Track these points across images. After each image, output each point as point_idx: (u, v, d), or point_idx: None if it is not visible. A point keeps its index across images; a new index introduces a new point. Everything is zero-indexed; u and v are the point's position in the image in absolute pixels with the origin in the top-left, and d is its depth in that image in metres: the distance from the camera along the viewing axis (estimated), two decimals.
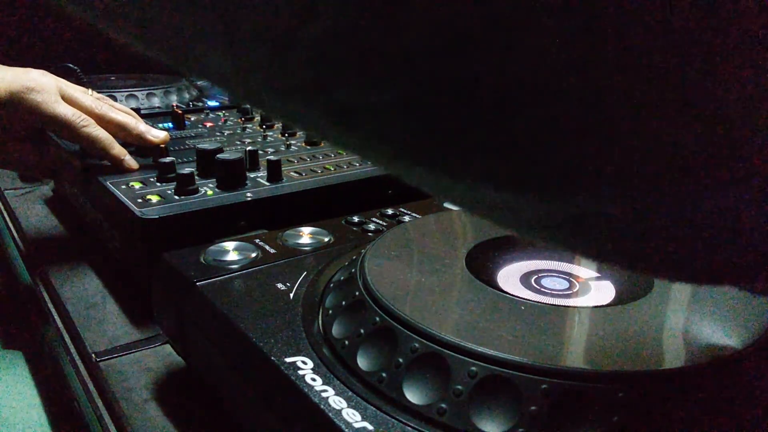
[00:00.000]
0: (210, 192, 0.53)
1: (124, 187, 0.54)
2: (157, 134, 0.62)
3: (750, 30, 0.10)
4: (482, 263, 0.36)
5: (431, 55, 0.11)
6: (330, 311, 0.32)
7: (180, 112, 0.78)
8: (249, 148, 0.60)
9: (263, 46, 0.12)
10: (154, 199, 0.51)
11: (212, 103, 0.94)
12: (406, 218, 0.49)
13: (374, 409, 0.26)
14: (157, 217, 0.47)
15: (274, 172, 0.56)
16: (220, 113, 0.86)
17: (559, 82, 0.11)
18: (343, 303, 0.32)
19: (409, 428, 0.25)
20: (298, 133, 0.74)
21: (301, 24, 0.11)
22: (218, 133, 0.75)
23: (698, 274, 0.17)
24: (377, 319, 0.29)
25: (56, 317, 0.50)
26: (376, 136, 0.14)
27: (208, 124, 0.80)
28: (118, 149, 0.59)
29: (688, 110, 0.11)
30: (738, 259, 0.15)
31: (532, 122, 0.12)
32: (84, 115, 0.57)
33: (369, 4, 0.11)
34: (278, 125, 0.77)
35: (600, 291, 0.33)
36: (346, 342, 0.30)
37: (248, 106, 0.85)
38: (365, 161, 0.63)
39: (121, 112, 0.63)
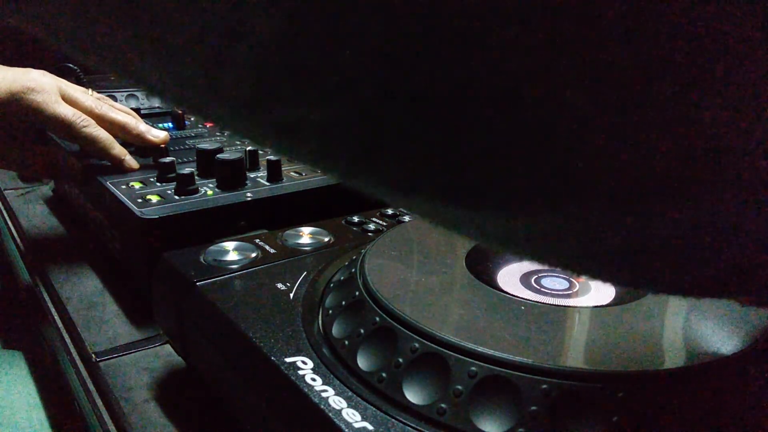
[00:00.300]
0: (210, 192, 0.53)
1: (124, 187, 0.54)
2: (157, 134, 0.62)
3: (732, 36, 0.10)
4: (482, 263, 0.36)
5: (372, 69, 0.11)
6: (330, 311, 0.32)
7: (180, 112, 0.78)
8: (249, 148, 0.60)
9: (196, 63, 0.12)
10: (154, 199, 0.51)
11: None
12: (406, 218, 0.49)
13: (374, 409, 0.26)
14: (157, 217, 0.47)
15: (274, 172, 0.56)
16: None
17: (517, 94, 0.10)
18: (343, 303, 0.32)
19: (409, 428, 0.25)
20: None
21: (231, 41, 0.11)
22: (218, 133, 0.75)
23: (677, 288, 0.17)
24: (377, 319, 0.29)
25: (56, 317, 0.50)
26: (323, 152, 0.13)
27: (208, 124, 0.80)
28: (118, 149, 0.59)
29: (662, 121, 0.11)
30: (721, 271, 0.15)
31: (486, 136, 0.11)
32: (84, 116, 0.57)
33: (299, 21, 0.10)
34: None
35: (600, 291, 0.33)
36: (346, 342, 0.30)
37: None
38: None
39: (121, 112, 0.63)
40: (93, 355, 0.44)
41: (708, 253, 0.14)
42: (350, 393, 0.27)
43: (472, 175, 0.12)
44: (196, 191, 0.52)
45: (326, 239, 0.44)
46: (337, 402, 0.26)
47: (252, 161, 0.59)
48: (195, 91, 0.13)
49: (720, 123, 0.11)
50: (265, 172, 0.57)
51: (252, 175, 0.57)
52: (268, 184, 0.55)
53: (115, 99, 0.78)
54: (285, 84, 0.12)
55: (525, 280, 0.35)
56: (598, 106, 0.10)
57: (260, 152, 0.61)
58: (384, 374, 0.27)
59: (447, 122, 0.11)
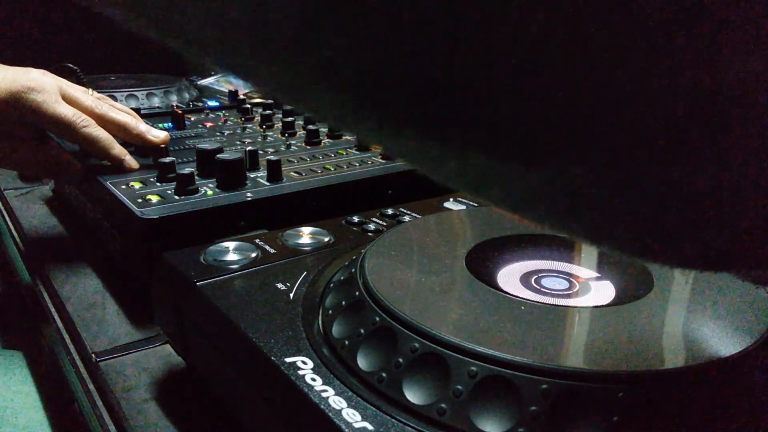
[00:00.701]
0: (210, 192, 0.53)
1: (124, 187, 0.54)
2: (157, 134, 0.62)
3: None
4: (482, 263, 0.36)
5: (418, 9, 0.11)
6: (330, 311, 0.32)
7: (180, 112, 0.78)
8: (249, 148, 0.60)
9: (242, 3, 0.12)
10: (154, 199, 0.51)
11: (212, 103, 0.94)
12: (406, 218, 0.49)
13: (374, 409, 0.26)
14: (157, 217, 0.47)
15: (274, 172, 0.56)
16: (220, 113, 0.86)
17: (544, 44, 0.11)
18: (343, 303, 0.32)
19: (409, 428, 0.25)
20: (298, 133, 0.74)
21: None
22: (218, 133, 0.75)
23: (690, 258, 0.16)
24: (377, 319, 0.29)
25: (56, 317, 0.50)
26: (362, 97, 0.13)
27: (208, 124, 0.80)
28: (118, 149, 0.59)
29: (679, 76, 0.11)
30: (733, 242, 0.15)
31: (521, 86, 0.11)
32: (84, 116, 0.57)
33: None
34: (278, 125, 0.77)
35: (600, 291, 0.33)
36: (346, 342, 0.30)
37: (247, 105, 0.85)
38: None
39: (121, 112, 0.63)
40: (93, 355, 0.44)
41: (729, 217, 0.14)
42: (350, 393, 0.27)
43: (506, 123, 0.12)
44: (196, 191, 0.52)
45: (326, 239, 0.44)
46: (337, 402, 0.26)
47: (252, 161, 0.59)
48: (240, 37, 0.13)
49: (746, 70, 0.10)
50: (265, 172, 0.57)
51: (252, 175, 0.57)
52: (268, 184, 0.55)
53: (115, 99, 0.78)
54: (332, 20, 0.11)
55: (525, 280, 0.35)
56: (623, 47, 0.10)
57: (260, 152, 0.61)
58: (384, 374, 0.27)
59: (484, 70, 0.11)
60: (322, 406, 0.26)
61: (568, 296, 0.33)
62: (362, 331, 0.29)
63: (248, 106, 0.85)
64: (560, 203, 0.14)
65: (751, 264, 0.16)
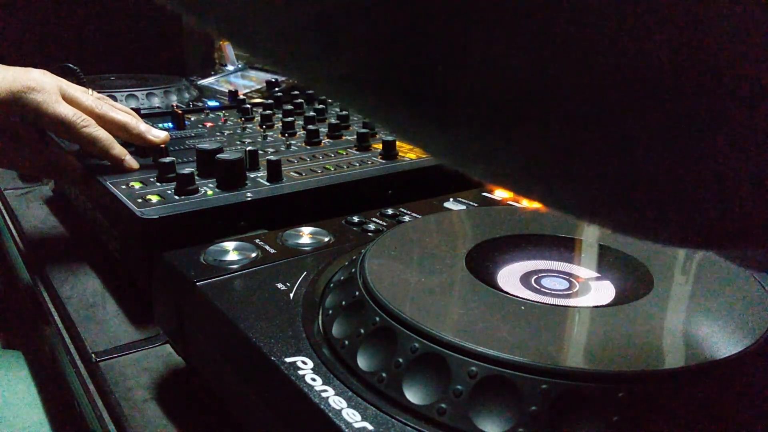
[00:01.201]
0: (210, 192, 0.53)
1: (124, 187, 0.54)
2: (157, 134, 0.62)
3: None
4: (482, 263, 0.36)
5: None
6: (330, 311, 0.32)
7: (180, 112, 0.78)
8: (249, 148, 0.60)
9: None
10: (154, 199, 0.51)
11: (212, 103, 0.94)
12: (406, 218, 0.49)
13: (374, 409, 0.26)
14: (157, 217, 0.47)
15: (274, 172, 0.56)
16: (220, 113, 0.86)
17: (523, 15, 0.10)
18: (343, 303, 0.32)
19: (409, 428, 0.25)
20: (298, 133, 0.74)
21: None
22: (218, 133, 0.75)
23: (674, 235, 0.15)
24: (377, 319, 0.29)
25: (56, 317, 0.50)
26: (360, 61, 0.13)
27: (208, 124, 0.80)
28: (118, 149, 0.59)
29: (662, 45, 0.10)
30: (723, 219, 0.14)
31: (500, 55, 0.11)
32: (84, 116, 0.57)
33: None
34: (278, 125, 0.77)
35: (600, 291, 0.33)
36: (346, 342, 0.30)
37: (247, 105, 0.85)
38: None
39: (121, 111, 0.63)
40: (93, 355, 0.44)
41: (715, 195, 0.13)
42: (350, 393, 0.27)
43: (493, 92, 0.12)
44: (196, 191, 0.52)
45: (326, 239, 0.44)
46: (337, 402, 0.26)
47: (252, 161, 0.59)
48: None
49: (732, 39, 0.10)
50: (265, 172, 0.57)
51: (252, 175, 0.57)
52: (268, 184, 0.55)
53: (115, 99, 0.78)
54: None
55: (525, 280, 0.35)
56: (603, 15, 0.10)
57: (260, 152, 0.61)
58: (384, 374, 0.27)
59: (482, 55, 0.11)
60: (322, 406, 0.26)
61: (568, 296, 0.33)
62: (362, 331, 0.29)
63: (248, 106, 0.85)
64: (547, 176, 0.14)
65: (737, 243, 0.16)
